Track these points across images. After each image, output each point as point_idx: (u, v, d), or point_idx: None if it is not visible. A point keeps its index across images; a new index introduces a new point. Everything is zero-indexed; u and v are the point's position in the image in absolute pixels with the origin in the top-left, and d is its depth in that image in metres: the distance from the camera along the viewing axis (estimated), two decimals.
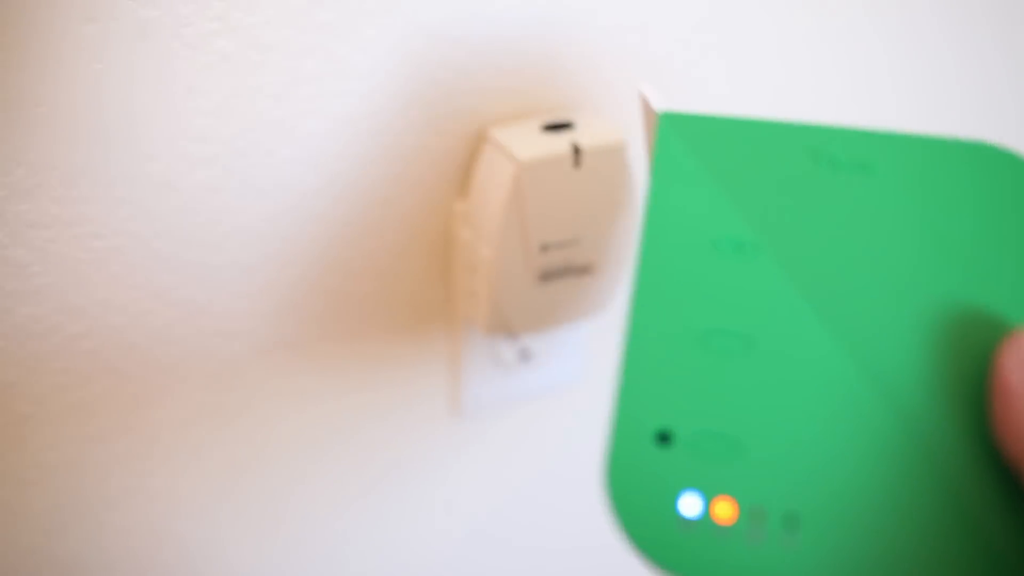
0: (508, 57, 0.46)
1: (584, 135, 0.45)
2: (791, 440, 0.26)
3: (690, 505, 0.26)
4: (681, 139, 0.29)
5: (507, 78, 0.46)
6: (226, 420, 0.48)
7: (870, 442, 0.26)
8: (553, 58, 0.47)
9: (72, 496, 0.46)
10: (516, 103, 0.47)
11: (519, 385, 0.56)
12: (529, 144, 0.44)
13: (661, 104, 0.31)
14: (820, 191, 0.28)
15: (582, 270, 0.47)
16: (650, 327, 0.27)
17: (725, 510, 0.26)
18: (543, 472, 0.63)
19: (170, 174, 0.41)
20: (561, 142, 0.44)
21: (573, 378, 0.58)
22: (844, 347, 0.27)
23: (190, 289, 0.44)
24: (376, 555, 0.59)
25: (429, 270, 0.50)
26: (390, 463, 0.56)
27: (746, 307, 0.27)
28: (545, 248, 0.45)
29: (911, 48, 0.62)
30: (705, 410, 0.27)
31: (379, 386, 0.52)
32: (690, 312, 0.27)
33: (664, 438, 0.27)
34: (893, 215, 0.28)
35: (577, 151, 0.44)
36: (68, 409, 0.44)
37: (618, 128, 0.46)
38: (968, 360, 0.26)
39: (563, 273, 0.47)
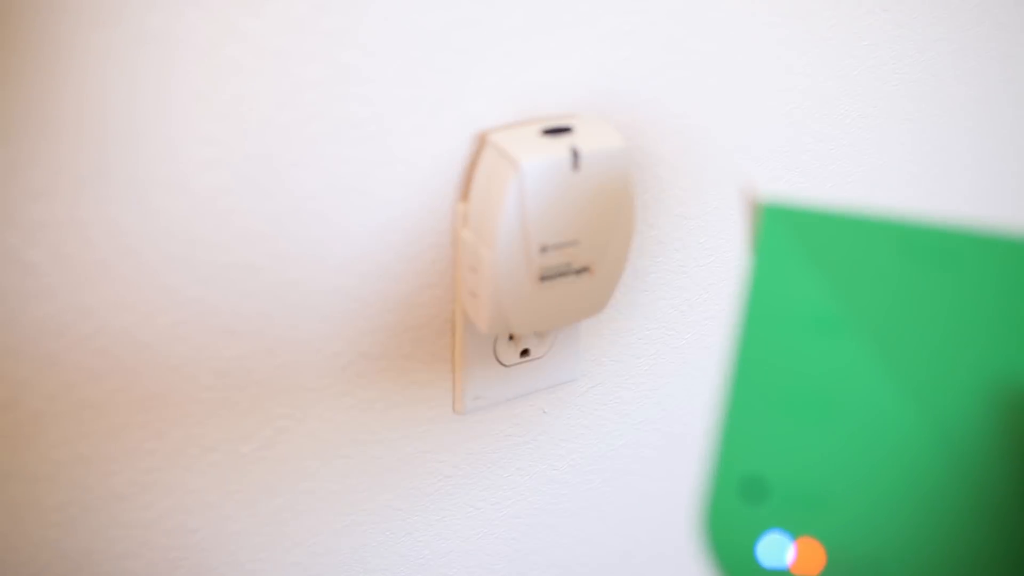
0: (509, 61, 0.47)
1: (583, 139, 0.45)
2: (870, 495, 0.29)
3: (778, 551, 0.29)
4: (782, 229, 0.32)
5: (508, 82, 0.47)
6: (233, 417, 0.49)
7: (943, 501, 0.28)
8: (555, 63, 0.48)
9: (82, 491, 0.46)
10: (516, 107, 0.48)
11: (519, 384, 0.57)
12: (529, 148, 0.45)
13: (763, 195, 0.33)
14: (905, 278, 0.31)
15: (581, 271, 0.48)
16: (747, 390, 0.31)
17: (808, 556, 0.29)
18: (543, 471, 0.64)
19: (178, 177, 0.41)
20: (560, 146, 0.45)
21: (573, 377, 0.59)
22: (918, 414, 0.30)
23: (198, 289, 0.44)
24: (378, 551, 0.59)
25: (430, 271, 0.50)
26: (393, 459, 0.56)
27: (835, 378, 0.30)
28: (545, 249, 0.46)
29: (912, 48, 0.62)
30: (794, 466, 0.30)
31: (382, 384, 0.53)
32: (783, 380, 0.31)
33: (756, 491, 0.30)
34: (972, 304, 0.31)
35: (576, 155, 0.45)
36: (79, 406, 0.44)
37: (617, 132, 0.47)
38: None
39: (562, 274, 0.47)
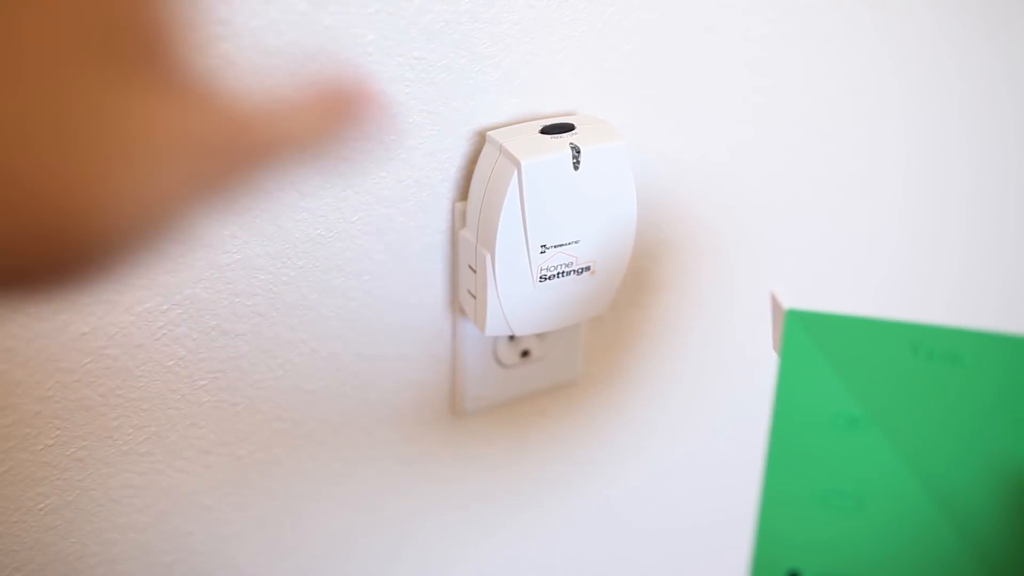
0: (508, 59, 0.46)
1: (583, 137, 0.45)
2: None
3: None
4: (804, 332, 0.36)
5: (508, 80, 0.47)
6: (230, 419, 0.49)
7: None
8: (556, 60, 0.48)
9: (78, 493, 0.46)
10: (516, 105, 0.48)
11: (519, 385, 0.56)
12: (529, 146, 0.44)
13: (789, 303, 0.37)
14: (918, 378, 0.35)
15: (582, 271, 0.48)
16: (780, 487, 0.34)
17: None
18: (543, 473, 0.63)
19: None
20: (561, 144, 0.44)
21: (572, 378, 0.59)
22: (936, 504, 0.33)
23: (195, 288, 0.44)
24: (376, 554, 0.59)
25: (430, 270, 0.50)
26: (392, 460, 0.56)
27: (858, 472, 0.34)
28: (544, 249, 0.46)
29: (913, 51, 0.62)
30: (825, 556, 0.33)
31: (381, 385, 0.53)
32: (812, 475, 0.34)
33: None
34: (979, 398, 0.34)
35: (577, 153, 0.44)
36: (74, 407, 0.44)
37: (617, 130, 0.46)
38: None
39: (563, 274, 0.47)
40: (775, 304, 0.37)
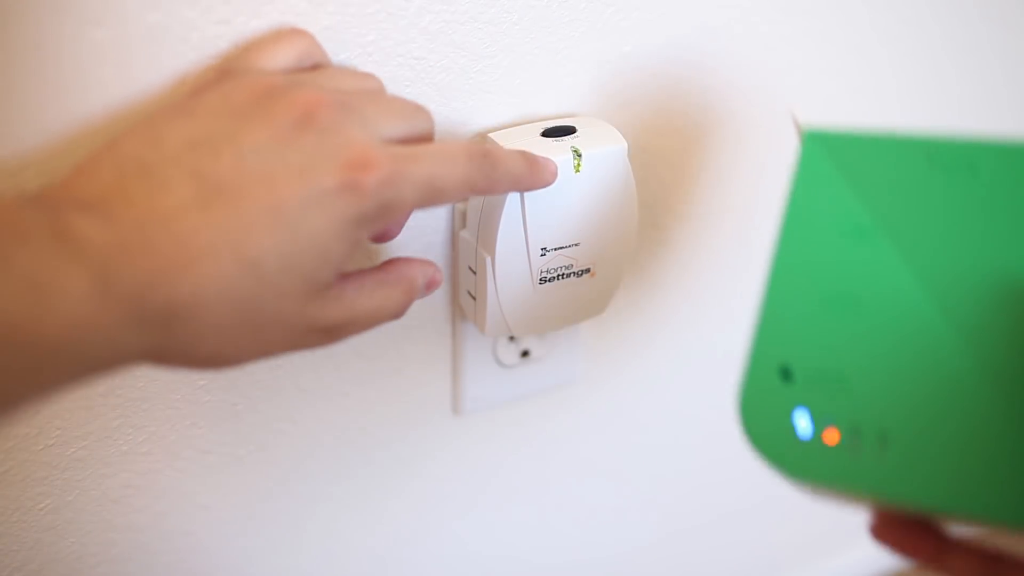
0: (508, 59, 0.46)
1: (585, 140, 0.45)
2: (886, 377, 0.33)
3: (803, 424, 0.33)
4: (821, 151, 0.36)
5: (508, 80, 0.47)
6: (230, 419, 0.49)
7: (950, 378, 0.32)
8: (556, 61, 0.48)
9: (78, 493, 0.46)
10: (516, 105, 0.48)
11: (519, 385, 0.56)
12: (530, 148, 0.44)
13: (805, 121, 0.37)
14: (932, 189, 0.35)
15: (581, 273, 0.47)
16: (783, 289, 0.35)
17: (832, 430, 0.33)
18: (543, 473, 0.63)
19: None
20: (562, 147, 0.44)
21: (572, 378, 0.59)
22: (936, 307, 0.33)
23: None
24: (376, 554, 0.59)
25: None
26: (391, 461, 0.56)
27: (860, 277, 0.34)
28: (544, 252, 0.46)
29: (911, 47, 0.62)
30: (821, 353, 0.34)
31: (381, 385, 0.53)
32: (816, 280, 0.35)
33: (786, 373, 0.34)
34: (991, 208, 0.34)
35: (578, 156, 0.44)
36: (74, 407, 0.44)
37: (618, 132, 0.46)
38: None
39: (563, 276, 0.47)
40: (795, 123, 0.38)
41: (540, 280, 0.46)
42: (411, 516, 0.59)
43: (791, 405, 0.34)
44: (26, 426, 0.43)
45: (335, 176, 0.32)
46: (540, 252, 0.45)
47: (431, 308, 0.51)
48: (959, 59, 0.64)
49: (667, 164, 0.55)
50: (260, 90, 0.33)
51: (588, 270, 0.48)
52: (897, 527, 0.34)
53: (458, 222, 0.48)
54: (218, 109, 0.33)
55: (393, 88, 0.44)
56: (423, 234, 0.49)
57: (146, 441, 0.47)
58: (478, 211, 0.46)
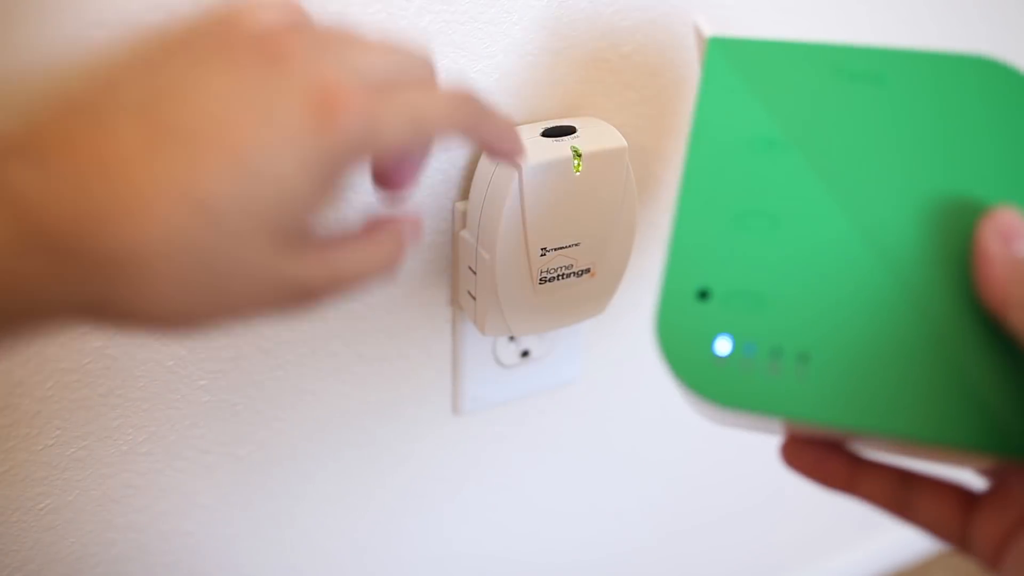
0: (508, 59, 0.46)
1: (585, 140, 0.45)
2: (805, 295, 0.32)
3: (723, 346, 0.32)
4: (725, 58, 0.35)
5: (508, 80, 0.47)
6: (230, 419, 0.49)
7: (871, 298, 0.31)
8: (556, 60, 0.48)
9: (78, 493, 0.46)
10: (516, 105, 0.48)
11: (519, 385, 0.56)
12: (530, 148, 0.44)
13: (710, 30, 0.36)
14: (840, 99, 0.34)
15: (581, 273, 0.47)
16: (695, 207, 0.34)
17: (752, 351, 0.32)
18: (543, 473, 0.63)
19: None
20: (562, 147, 0.44)
21: (572, 378, 0.59)
22: (853, 223, 0.32)
23: None
24: (375, 554, 0.59)
25: (430, 271, 0.50)
26: (392, 461, 0.56)
27: (773, 192, 0.33)
28: (544, 252, 0.46)
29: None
30: (737, 272, 0.33)
31: (381, 385, 0.53)
32: (728, 196, 0.34)
33: (703, 294, 0.33)
34: (899, 117, 0.33)
35: (578, 156, 0.44)
36: (74, 407, 0.44)
37: (617, 132, 0.46)
38: (957, 235, 0.31)
39: (562, 276, 0.47)
40: (697, 33, 0.36)
41: (540, 280, 0.46)
42: (411, 515, 0.59)
43: (710, 327, 0.32)
44: (26, 426, 0.43)
45: (301, 113, 0.29)
46: (540, 252, 0.45)
47: (431, 308, 0.51)
48: None
49: (667, 164, 0.55)
50: (227, 36, 0.31)
51: (588, 270, 0.48)
52: (810, 451, 0.33)
53: (458, 222, 0.48)
54: (181, 56, 0.30)
55: None
56: (423, 234, 0.49)
57: (146, 441, 0.47)
58: (478, 211, 0.46)
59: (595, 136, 0.45)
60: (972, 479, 0.33)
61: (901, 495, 0.33)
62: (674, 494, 0.73)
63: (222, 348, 0.46)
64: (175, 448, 0.48)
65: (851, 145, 0.33)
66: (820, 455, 0.33)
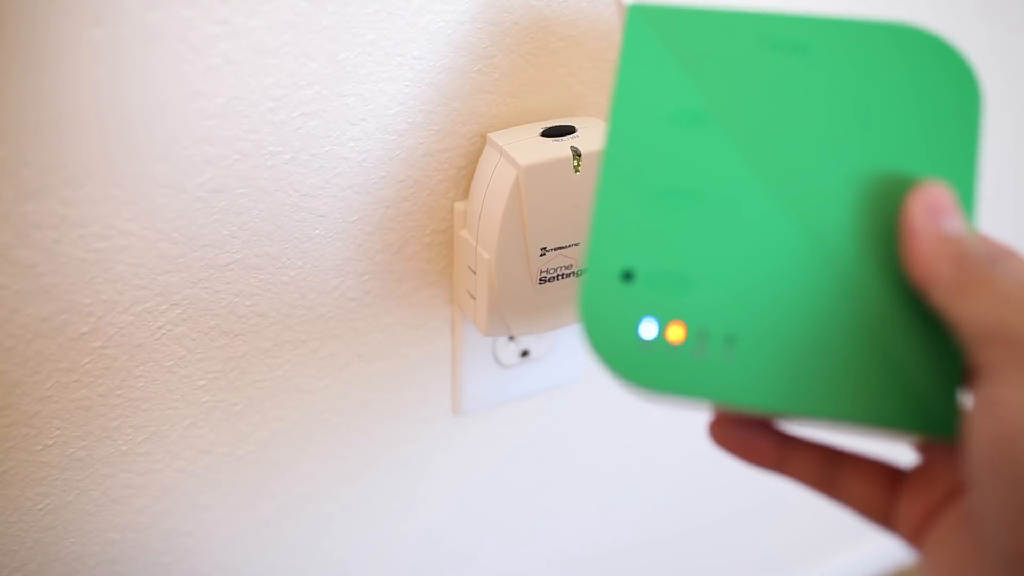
0: (508, 59, 0.46)
1: (585, 140, 0.45)
2: (731, 276, 0.31)
3: (648, 329, 0.31)
4: (646, 27, 0.34)
5: (508, 80, 0.47)
6: (229, 419, 0.49)
7: (798, 278, 0.31)
8: (556, 60, 0.48)
9: (77, 493, 0.46)
10: (516, 105, 0.48)
11: (519, 385, 0.56)
12: (529, 148, 0.44)
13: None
14: (764, 70, 0.33)
15: (581, 273, 0.47)
16: (616, 185, 0.32)
17: (676, 333, 0.31)
18: (543, 473, 0.63)
19: (175, 175, 0.41)
20: (561, 147, 0.44)
21: (572, 378, 0.59)
22: (780, 200, 0.31)
23: (194, 289, 0.44)
24: (376, 554, 0.59)
25: (429, 270, 0.50)
26: (392, 461, 0.56)
27: (698, 168, 0.32)
28: (544, 252, 0.46)
29: None
30: (661, 253, 0.32)
31: (380, 385, 0.53)
32: (650, 173, 0.32)
33: (627, 276, 0.32)
34: (826, 89, 0.32)
35: (578, 156, 0.44)
36: (74, 407, 0.44)
37: None
38: (885, 211, 0.31)
39: (562, 276, 0.47)
40: (618, 1, 0.35)
41: (540, 280, 0.46)
42: (411, 515, 0.59)
43: (634, 309, 0.31)
44: (26, 426, 0.43)
45: None
46: (540, 252, 0.45)
47: (431, 308, 0.51)
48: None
49: None
50: None
51: None
52: (738, 430, 0.33)
53: (458, 222, 0.48)
54: None
55: (393, 88, 0.44)
56: (423, 234, 0.49)
57: (146, 441, 0.47)
58: (478, 211, 0.46)
59: (595, 136, 0.45)
60: (901, 456, 0.33)
61: (828, 474, 0.32)
62: (674, 494, 0.73)
63: (222, 348, 0.46)
64: (175, 448, 0.48)
65: (777, 118, 0.32)
66: (748, 434, 0.33)
